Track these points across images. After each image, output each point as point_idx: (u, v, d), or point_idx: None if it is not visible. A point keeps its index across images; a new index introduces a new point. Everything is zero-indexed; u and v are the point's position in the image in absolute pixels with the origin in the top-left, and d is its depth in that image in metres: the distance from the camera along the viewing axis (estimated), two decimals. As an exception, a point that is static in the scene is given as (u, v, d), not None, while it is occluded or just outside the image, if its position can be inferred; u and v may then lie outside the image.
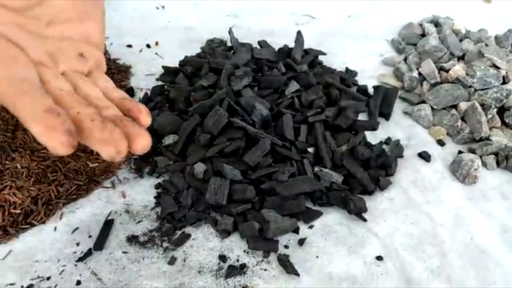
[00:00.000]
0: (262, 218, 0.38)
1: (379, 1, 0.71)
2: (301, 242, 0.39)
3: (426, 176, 0.46)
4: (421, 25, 0.64)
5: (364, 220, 0.41)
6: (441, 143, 0.50)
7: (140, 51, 0.58)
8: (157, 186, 0.43)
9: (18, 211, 0.40)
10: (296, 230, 0.39)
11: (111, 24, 0.63)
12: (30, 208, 0.40)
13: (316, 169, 0.43)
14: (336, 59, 0.57)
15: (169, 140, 0.43)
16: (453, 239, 0.41)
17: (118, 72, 0.54)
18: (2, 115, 0.45)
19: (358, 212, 0.40)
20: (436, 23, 0.64)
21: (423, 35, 0.63)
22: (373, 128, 0.48)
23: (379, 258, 0.38)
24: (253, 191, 0.39)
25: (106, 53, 0.57)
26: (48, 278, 0.36)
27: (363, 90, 0.52)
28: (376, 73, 0.58)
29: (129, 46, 0.59)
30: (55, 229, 0.40)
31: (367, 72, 0.57)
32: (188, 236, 0.39)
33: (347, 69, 0.57)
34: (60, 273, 0.37)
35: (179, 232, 0.40)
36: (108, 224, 0.40)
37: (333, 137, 0.45)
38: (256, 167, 0.42)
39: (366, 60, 0.60)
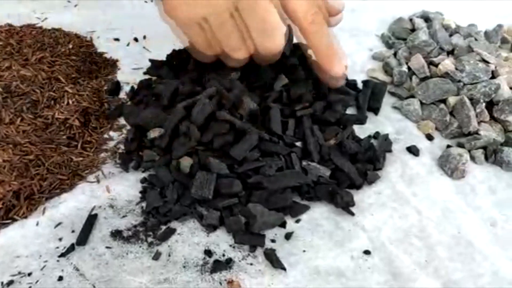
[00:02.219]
0: (248, 212, 0.38)
1: (369, -4, 0.71)
2: (288, 236, 0.39)
3: (414, 170, 0.46)
4: (411, 20, 0.64)
5: (352, 214, 0.41)
6: (429, 137, 0.50)
7: (128, 44, 0.57)
8: (143, 181, 0.42)
9: (-1, 205, 0.39)
10: (283, 224, 0.39)
11: (98, 17, 0.62)
12: (12, 202, 0.39)
13: (303, 163, 0.42)
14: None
15: (154, 133, 0.43)
16: (440, 233, 0.41)
17: (105, 66, 0.54)
18: (-15, 109, 0.45)
19: (346, 206, 0.40)
20: (426, 18, 0.64)
21: (413, 30, 0.62)
22: (361, 122, 0.48)
23: (366, 252, 0.38)
24: (240, 185, 0.39)
25: (92, 46, 0.57)
26: (29, 274, 0.36)
27: (352, 84, 0.51)
28: (365, 68, 0.58)
29: (116, 39, 0.58)
30: (37, 224, 0.39)
31: (356, 67, 0.57)
32: (173, 231, 0.39)
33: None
34: (41, 269, 0.36)
35: (164, 227, 0.39)
36: (91, 219, 0.39)
37: (321, 131, 0.45)
38: (243, 161, 0.41)
39: (355, 55, 0.59)
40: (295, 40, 0.50)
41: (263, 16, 0.41)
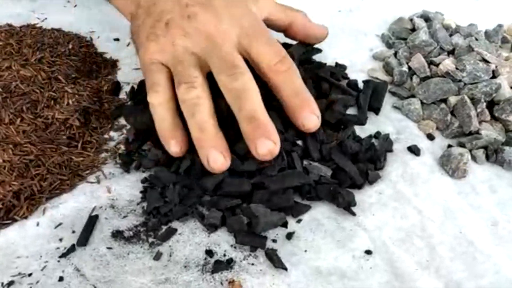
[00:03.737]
0: (251, 213, 0.37)
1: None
2: (289, 236, 0.39)
3: (415, 170, 0.46)
4: (411, 20, 0.64)
5: (353, 214, 0.40)
6: (430, 137, 0.50)
7: (128, 45, 0.57)
8: (143, 181, 0.42)
9: (-1, 206, 0.39)
10: (284, 225, 0.39)
11: (97, 18, 0.62)
12: (12, 203, 0.39)
13: (305, 162, 0.42)
14: (326, 54, 0.57)
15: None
16: (442, 233, 0.41)
17: (104, 66, 0.54)
18: (-16, 109, 0.44)
19: (347, 206, 0.40)
20: (427, 18, 0.64)
21: (413, 29, 0.62)
22: (361, 123, 0.48)
23: (368, 252, 0.38)
24: (249, 185, 0.38)
25: (92, 46, 0.56)
26: (30, 275, 0.36)
27: (353, 84, 0.51)
28: (366, 68, 0.58)
29: (116, 39, 0.58)
30: (37, 224, 0.39)
31: (356, 67, 0.57)
32: (174, 231, 0.39)
33: (336, 63, 0.56)
34: (42, 269, 0.36)
35: (165, 227, 0.39)
36: (92, 220, 0.39)
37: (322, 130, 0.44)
38: (245, 160, 0.41)
39: (356, 55, 0.59)
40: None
41: None
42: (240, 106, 0.38)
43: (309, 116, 0.40)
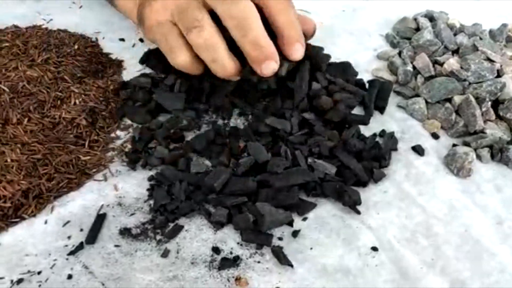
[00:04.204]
0: (257, 211, 0.38)
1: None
2: (295, 234, 0.39)
3: (420, 169, 0.46)
4: (415, 19, 0.64)
5: (358, 212, 0.41)
6: (435, 136, 0.50)
7: (133, 45, 0.58)
8: (150, 179, 0.42)
9: (8, 204, 0.39)
10: (290, 223, 0.39)
11: (102, 18, 0.62)
12: (21, 201, 0.40)
13: (309, 160, 0.42)
14: (330, 53, 0.57)
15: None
16: (447, 231, 0.41)
17: (110, 66, 0.54)
18: (-8, 109, 0.45)
19: (353, 204, 0.40)
20: (431, 18, 0.64)
21: (418, 29, 0.62)
22: (365, 122, 0.48)
23: (374, 248, 0.38)
24: (255, 184, 0.39)
25: (98, 47, 0.57)
26: (39, 273, 0.36)
27: (360, 83, 0.51)
28: (370, 67, 0.58)
29: (122, 40, 0.59)
30: (45, 222, 0.39)
31: (361, 67, 0.57)
32: (181, 227, 0.39)
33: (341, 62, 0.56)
34: (51, 267, 0.36)
35: (172, 224, 0.39)
36: (100, 218, 0.39)
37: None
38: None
39: (360, 55, 0.60)
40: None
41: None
42: (243, 33, 0.41)
43: (300, 48, 0.44)
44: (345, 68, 0.53)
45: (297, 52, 0.44)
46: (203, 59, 0.44)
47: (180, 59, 0.44)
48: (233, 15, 0.41)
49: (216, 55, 0.42)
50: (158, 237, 0.39)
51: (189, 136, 0.47)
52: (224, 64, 0.43)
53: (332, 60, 0.56)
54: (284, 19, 0.43)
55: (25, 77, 0.49)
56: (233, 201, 0.39)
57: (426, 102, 0.52)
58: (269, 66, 0.42)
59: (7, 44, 0.53)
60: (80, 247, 0.38)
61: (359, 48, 0.61)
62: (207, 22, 0.42)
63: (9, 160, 0.41)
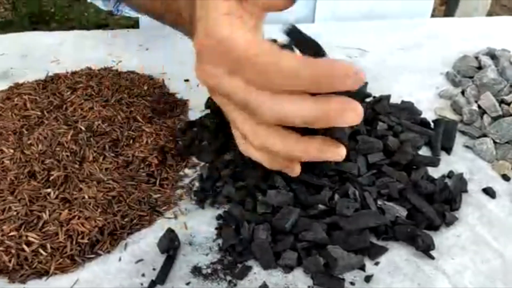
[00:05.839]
0: (329, 255, 0.37)
1: (429, 34, 0.71)
2: (368, 279, 0.38)
3: (493, 212, 0.45)
4: (476, 57, 0.63)
5: (432, 257, 0.40)
6: (506, 178, 0.49)
7: (198, 85, 0.60)
8: (218, 218, 0.43)
9: (85, 240, 0.40)
10: (362, 268, 0.38)
11: (167, 59, 0.65)
12: (97, 238, 0.41)
13: (379, 202, 0.42)
14: (390, 92, 0.57)
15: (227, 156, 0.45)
16: (526, 279, 0.39)
17: (176, 106, 0.56)
18: (70, 148, 0.47)
19: (426, 249, 0.39)
20: (493, 56, 0.63)
21: (479, 67, 0.62)
22: (434, 164, 0.47)
23: (451, 296, 0.37)
24: (325, 226, 0.39)
25: (164, 87, 0.59)
26: (114, 309, 0.37)
27: (425, 123, 0.51)
28: (433, 106, 0.57)
29: (186, 80, 0.61)
30: (120, 259, 0.40)
31: (423, 105, 0.57)
32: (249, 268, 0.39)
33: (402, 102, 0.56)
34: (125, 304, 0.37)
35: (240, 265, 0.40)
36: (170, 257, 0.40)
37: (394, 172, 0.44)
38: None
39: (421, 93, 0.59)
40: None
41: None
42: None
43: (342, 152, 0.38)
44: (409, 108, 0.52)
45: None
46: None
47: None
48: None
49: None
50: (228, 277, 0.39)
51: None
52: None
53: (394, 98, 0.56)
54: None
55: (100, 117, 0.51)
56: (303, 244, 0.39)
57: (494, 142, 0.51)
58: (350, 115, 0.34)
59: (82, 85, 0.56)
60: (153, 284, 0.38)
61: (419, 86, 0.61)
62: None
63: (86, 196, 0.43)
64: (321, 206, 0.41)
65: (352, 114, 0.34)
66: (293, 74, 0.33)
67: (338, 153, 0.37)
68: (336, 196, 0.42)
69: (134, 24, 0.78)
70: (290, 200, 0.42)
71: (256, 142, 0.38)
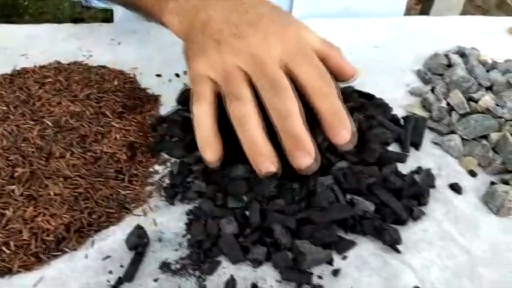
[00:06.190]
0: (297, 249, 0.37)
1: (403, 33, 0.72)
2: (336, 273, 0.38)
3: (460, 208, 0.46)
4: (447, 55, 0.64)
5: (398, 252, 0.40)
6: (472, 173, 0.49)
7: (169, 81, 0.59)
8: (188, 213, 0.43)
9: (51, 238, 0.40)
10: (330, 262, 0.38)
11: (140, 54, 0.64)
12: (63, 235, 0.40)
13: (347, 196, 0.42)
14: (363, 89, 0.57)
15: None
16: (491, 273, 0.40)
17: (147, 101, 0.55)
18: (36, 143, 0.46)
19: (393, 243, 0.40)
20: (462, 54, 0.64)
21: (450, 65, 0.63)
22: (401, 160, 0.48)
23: (416, 289, 0.37)
24: (294, 222, 0.39)
25: (135, 82, 0.59)
26: (80, 307, 0.36)
27: (395, 119, 0.52)
28: (403, 103, 0.58)
29: (158, 75, 0.60)
30: (86, 256, 0.40)
31: (394, 102, 0.57)
32: (218, 263, 0.39)
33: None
34: (91, 302, 0.36)
35: (209, 260, 0.39)
36: (138, 254, 0.40)
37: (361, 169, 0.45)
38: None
39: (393, 91, 0.60)
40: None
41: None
42: (282, 124, 0.41)
43: (345, 135, 0.42)
44: (380, 105, 0.53)
45: (342, 139, 0.42)
46: (236, 130, 0.43)
47: (201, 110, 0.44)
48: (274, 105, 0.41)
49: (250, 129, 0.42)
50: (197, 273, 0.39)
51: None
52: (255, 142, 0.42)
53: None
54: (327, 106, 0.43)
55: (67, 112, 0.50)
56: (272, 239, 0.39)
57: (462, 139, 0.52)
58: (303, 159, 0.41)
59: (50, 80, 0.55)
60: (119, 283, 0.38)
61: (391, 84, 0.61)
62: (249, 97, 0.42)
63: (52, 193, 0.42)
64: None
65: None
66: None
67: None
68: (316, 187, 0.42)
69: (110, 18, 0.77)
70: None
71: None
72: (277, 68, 0.43)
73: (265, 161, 0.41)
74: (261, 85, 0.43)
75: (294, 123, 0.41)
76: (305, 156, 0.41)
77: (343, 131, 0.42)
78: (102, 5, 0.69)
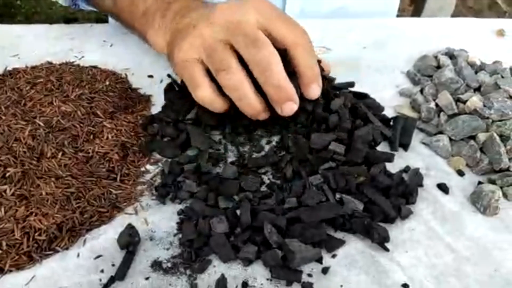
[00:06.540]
0: (286, 248, 0.38)
1: (393, 34, 0.73)
2: (325, 271, 0.39)
3: (447, 207, 0.46)
4: (436, 57, 0.65)
5: (387, 250, 0.41)
6: (460, 173, 0.50)
7: (161, 81, 0.60)
8: (179, 212, 0.43)
9: (43, 237, 0.40)
10: (319, 260, 0.39)
11: (132, 55, 0.65)
12: (55, 234, 0.40)
13: (337, 196, 0.43)
14: (353, 90, 0.58)
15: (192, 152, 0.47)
16: (476, 271, 0.41)
17: (139, 101, 0.56)
18: (28, 144, 0.46)
19: (382, 242, 0.40)
20: (451, 55, 0.65)
21: (438, 66, 0.64)
22: (389, 160, 0.48)
23: (405, 286, 0.38)
24: (284, 221, 0.39)
25: (127, 82, 0.59)
26: (71, 305, 0.36)
27: (385, 120, 0.52)
28: (392, 104, 0.59)
29: (150, 76, 0.61)
30: (78, 255, 0.40)
31: (384, 103, 0.58)
32: (209, 262, 0.40)
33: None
34: (83, 300, 0.37)
35: (200, 259, 0.40)
36: (130, 252, 0.40)
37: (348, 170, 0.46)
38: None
39: (382, 91, 0.61)
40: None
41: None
42: (266, 77, 0.44)
43: (316, 88, 0.47)
44: (372, 105, 0.54)
45: (314, 91, 0.47)
46: (231, 98, 0.46)
47: (204, 94, 0.47)
48: (257, 61, 0.44)
49: (243, 94, 0.45)
50: (189, 271, 0.39)
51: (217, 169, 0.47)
52: (250, 103, 0.46)
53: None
54: (305, 63, 0.47)
55: (59, 112, 0.50)
56: (262, 238, 0.39)
57: (450, 139, 0.53)
58: (288, 107, 0.45)
59: (41, 80, 0.55)
60: (111, 281, 0.38)
61: (381, 84, 0.62)
62: (234, 64, 0.45)
63: (44, 193, 0.43)
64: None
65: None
66: None
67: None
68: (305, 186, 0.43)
69: (104, 18, 0.77)
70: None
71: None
72: (255, 27, 0.46)
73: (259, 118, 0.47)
74: (241, 44, 0.45)
75: (276, 75, 0.44)
76: (291, 104, 0.45)
77: (314, 84, 0.47)
78: (90, 8, 0.69)
